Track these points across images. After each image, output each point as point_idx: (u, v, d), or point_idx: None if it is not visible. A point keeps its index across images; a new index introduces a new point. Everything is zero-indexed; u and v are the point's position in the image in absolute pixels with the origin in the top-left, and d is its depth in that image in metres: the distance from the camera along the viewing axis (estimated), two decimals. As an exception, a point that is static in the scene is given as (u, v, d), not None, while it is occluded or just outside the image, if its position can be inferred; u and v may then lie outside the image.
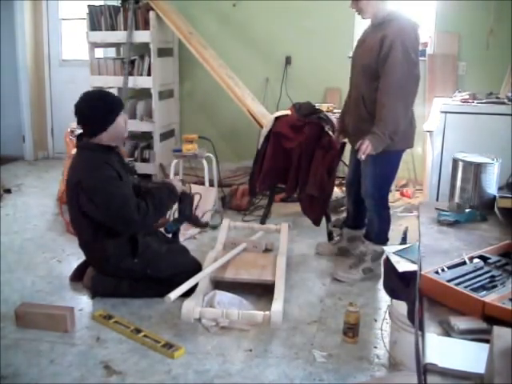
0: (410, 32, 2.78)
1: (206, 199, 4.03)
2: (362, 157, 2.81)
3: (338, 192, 4.51)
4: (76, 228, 2.96)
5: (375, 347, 2.49)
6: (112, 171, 2.73)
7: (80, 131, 2.91)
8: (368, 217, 3.21)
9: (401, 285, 1.75)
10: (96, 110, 2.74)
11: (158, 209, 2.81)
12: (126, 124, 2.85)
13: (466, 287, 1.26)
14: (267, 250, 3.46)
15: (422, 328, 1.17)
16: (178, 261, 2.95)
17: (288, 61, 5.32)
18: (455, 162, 2.04)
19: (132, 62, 5.09)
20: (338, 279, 3.15)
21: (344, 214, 3.68)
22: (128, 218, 2.70)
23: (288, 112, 3.88)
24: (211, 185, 4.27)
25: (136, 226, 2.76)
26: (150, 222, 2.82)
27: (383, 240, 3.15)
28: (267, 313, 2.51)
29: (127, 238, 2.84)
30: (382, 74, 2.77)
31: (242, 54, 5.42)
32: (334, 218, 3.91)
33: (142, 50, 5.11)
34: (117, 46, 5.56)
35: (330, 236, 3.70)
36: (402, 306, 2.07)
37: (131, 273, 2.87)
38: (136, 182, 3.05)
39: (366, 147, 2.78)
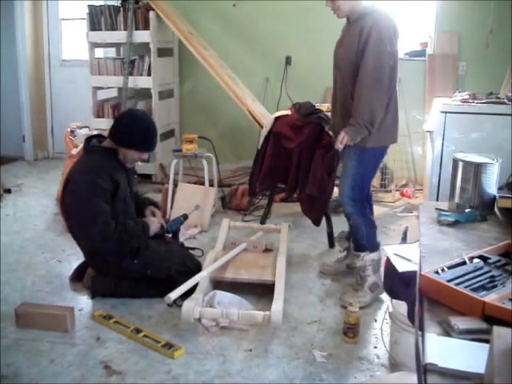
0: (385, 24, 2.73)
1: (206, 199, 4.03)
2: (340, 147, 2.77)
3: (337, 192, 4.50)
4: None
5: (375, 347, 2.49)
6: (105, 182, 2.71)
7: (89, 133, 2.95)
8: (351, 224, 2.98)
9: (401, 285, 1.75)
10: (141, 131, 2.82)
11: (123, 241, 2.74)
12: (137, 160, 2.92)
13: (465, 287, 1.26)
14: (267, 250, 3.46)
15: (422, 328, 1.17)
16: (178, 261, 2.95)
17: (288, 61, 5.32)
18: (455, 162, 2.04)
19: (132, 62, 5.09)
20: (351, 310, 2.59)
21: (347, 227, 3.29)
22: (88, 230, 2.70)
23: (288, 112, 3.87)
24: (211, 185, 4.26)
25: (92, 241, 2.74)
26: (108, 246, 2.74)
27: (376, 245, 2.98)
28: (267, 313, 2.51)
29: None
30: (360, 66, 2.73)
31: (242, 54, 5.42)
32: (333, 217, 3.90)
33: (142, 50, 5.12)
34: (117, 45, 5.56)
35: (330, 236, 3.69)
36: (402, 306, 2.07)
37: (131, 273, 2.87)
38: (135, 183, 3.06)
39: (343, 138, 2.74)
